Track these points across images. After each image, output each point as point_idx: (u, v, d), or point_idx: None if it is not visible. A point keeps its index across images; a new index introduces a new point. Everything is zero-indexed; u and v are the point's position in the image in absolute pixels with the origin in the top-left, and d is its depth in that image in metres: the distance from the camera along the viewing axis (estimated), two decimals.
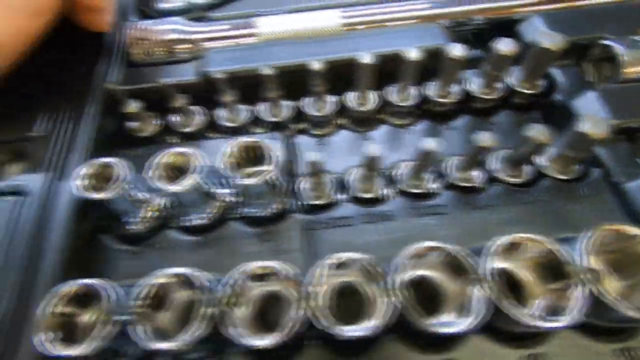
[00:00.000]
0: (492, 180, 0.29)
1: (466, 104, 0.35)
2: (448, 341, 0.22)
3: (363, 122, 0.35)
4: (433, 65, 0.32)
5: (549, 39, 0.29)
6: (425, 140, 0.25)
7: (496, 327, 0.21)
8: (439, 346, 0.22)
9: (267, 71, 0.29)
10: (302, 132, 0.35)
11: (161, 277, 0.21)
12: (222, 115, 0.33)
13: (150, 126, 0.33)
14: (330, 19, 0.35)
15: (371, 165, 0.26)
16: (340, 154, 0.33)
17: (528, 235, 0.21)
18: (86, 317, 0.22)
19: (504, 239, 0.21)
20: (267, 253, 0.26)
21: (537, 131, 0.25)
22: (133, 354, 0.22)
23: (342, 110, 0.34)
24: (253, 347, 0.19)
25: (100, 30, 0.31)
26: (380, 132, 0.34)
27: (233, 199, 0.28)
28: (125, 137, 0.33)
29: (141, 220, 0.27)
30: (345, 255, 0.21)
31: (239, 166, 0.26)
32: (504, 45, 0.30)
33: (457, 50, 0.30)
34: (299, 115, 0.34)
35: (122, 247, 0.27)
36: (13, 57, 0.25)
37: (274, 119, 0.33)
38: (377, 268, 0.21)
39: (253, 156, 0.26)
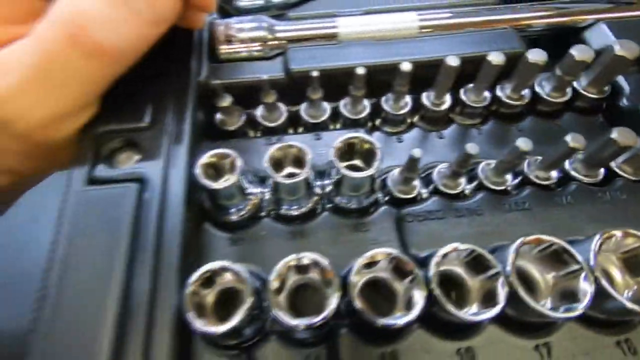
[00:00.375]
0: (569, 179, 0.31)
1: (532, 106, 0.37)
2: (468, 330, 0.24)
3: (435, 122, 0.36)
4: (507, 68, 0.34)
5: (625, 47, 0.31)
6: (520, 140, 0.27)
7: (509, 318, 0.24)
8: (458, 334, 0.24)
9: (360, 70, 0.30)
10: (375, 128, 0.36)
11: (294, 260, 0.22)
12: (306, 111, 0.35)
13: (236, 120, 0.34)
14: (407, 21, 0.36)
15: (464, 163, 0.28)
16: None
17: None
18: (211, 297, 0.24)
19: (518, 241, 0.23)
20: (363, 242, 0.28)
21: (623, 135, 0.27)
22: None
23: (417, 108, 0.36)
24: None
25: (198, 28, 0.33)
26: (450, 131, 0.36)
27: (329, 190, 0.29)
28: (213, 129, 0.34)
29: (242, 209, 0.28)
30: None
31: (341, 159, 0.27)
32: (580, 52, 0.32)
33: (537, 55, 0.31)
34: (376, 113, 0.36)
35: (222, 235, 0.29)
36: (131, 63, 0.26)
37: (353, 117, 0.35)
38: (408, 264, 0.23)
39: (353, 151, 0.28)
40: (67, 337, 0.21)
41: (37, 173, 0.33)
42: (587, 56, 0.32)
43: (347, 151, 0.28)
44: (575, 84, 0.36)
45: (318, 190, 0.30)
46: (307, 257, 0.23)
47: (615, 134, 0.27)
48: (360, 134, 0.27)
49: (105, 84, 0.26)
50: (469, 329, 0.24)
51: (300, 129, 0.36)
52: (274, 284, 0.22)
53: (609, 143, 0.28)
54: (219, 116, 0.34)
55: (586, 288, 0.21)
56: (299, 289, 0.26)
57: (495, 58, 0.31)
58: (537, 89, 0.36)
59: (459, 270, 0.25)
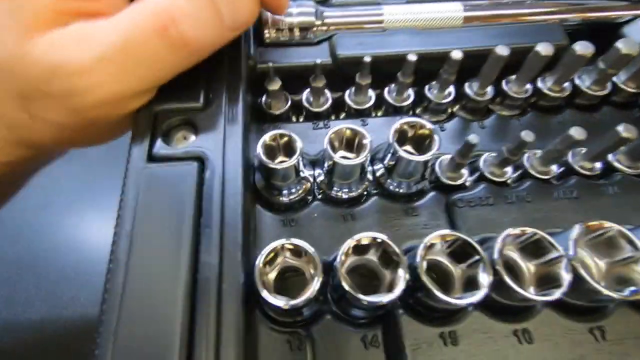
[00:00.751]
0: (612, 170, 0.31)
1: (571, 99, 0.37)
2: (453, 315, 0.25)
3: (475, 112, 0.37)
4: (550, 61, 0.34)
5: None
6: (573, 129, 0.27)
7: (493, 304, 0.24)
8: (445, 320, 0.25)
9: (412, 57, 0.30)
10: (416, 116, 0.37)
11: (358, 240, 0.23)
12: (351, 98, 0.35)
13: (283, 104, 0.34)
14: (452, 11, 0.36)
15: (517, 151, 0.28)
16: (455, 140, 0.35)
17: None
18: (272, 273, 0.24)
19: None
20: (415, 226, 0.28)
21: None
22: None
23: (458, 98, 0.36)
24: None
25: (281, 12, 0.33)
26: (491, 121, 0.36)
27: (380, 174, 0.29)
28: (259, 113, 0.34)
29: (294, 192, 0.29)
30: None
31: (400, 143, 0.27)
32: (626, 45, 0.32)
33: (584, 47, 0.32)
34: (418, 102, 0.36)
35: (274, 216, 0.29)
36: (204, 58, 0.27)
37: (397, 104, 0.35)
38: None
39: (406, 136, 0.28)
40: (139, 311, 0.21)
41: (62, 146, 0.34)
42: (634, 50, 0.32)
43: (401, 136, 0.28)
44: (614, 78, 0.36)
45: (369, 176, 0.30)
46: (366, 237, 0.23)
47: None
48: (419, 119, 0.27)
49: (176, 74, 0.27)
50: (526, 311, 0.25)
51: (342, 115, 0.36)
52: (342, 259, 0.22)
53: None
54: (265, 99, 0.34)
55: None
56: (354, 270, 0.26)
57: (544, 49, 0.31)
58: (578, 81, 0.36)
59: (515, 255, 0.25)
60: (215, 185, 0.25)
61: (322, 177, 0.29)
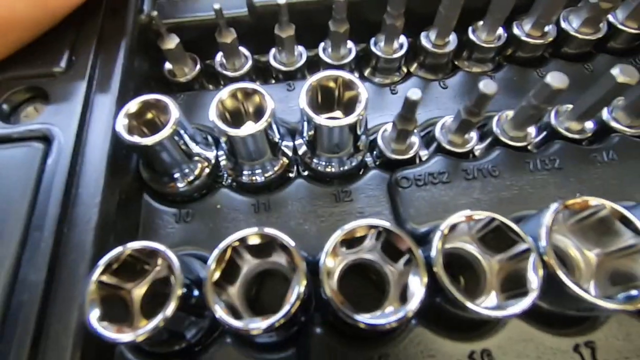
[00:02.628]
0: (608, 131, 0.24)
1: (557, 49, 0.30)
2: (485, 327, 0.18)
3: (437, 69, 0.29)
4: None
5: None
6: (550, 75, 0.20)
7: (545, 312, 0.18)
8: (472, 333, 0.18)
9: None
10: (365, 79, 0.30)
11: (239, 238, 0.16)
12: (276, 58, 0.28)
13: (189, 70, 0.27)
14: None
15: (476, 109, 0.21)
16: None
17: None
18: (137, 289, 0.18)
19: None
20: (346, 215, 0.22)
21: None
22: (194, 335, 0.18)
23: (415, 55, 0.29)
24: None
25: None
26: (456, 79, 0.29)
27: (303, 151, 0.23)
28: (160, 81, 0.28)
29: (188, 174, 0.22)
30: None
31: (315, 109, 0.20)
32: None
33: None
34: (365, 62, 0.29)
35: (167, 209, 0.22)
36: (37, 31, 0.22)
37: (336, 62, 0.28)
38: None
39: (331, 99, 0.21)
40: None
41: None
42: None
43: (325, 98, 0.21)
44: (611, 18, 0.29)
45: (288, 152, 0.23)
46: (259, 235, 0.17)
47: None
48: (339, 72, 0.20)
49: (27, 38, 0.22)
50: (486, 326, 0.18)
51: (273, 82, 0.29)
52: (215, 271, 0.16)
53: None
54: (167, 65, 0.27)
55: None
56: (261, 278, 0.20)
57: None
58: (564, 24, 0.29)
59: (471, 248, 0.19)
60: (60, 172, 0.19)
61: (224, 160, 0.23)
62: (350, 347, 0.18)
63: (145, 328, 0.14)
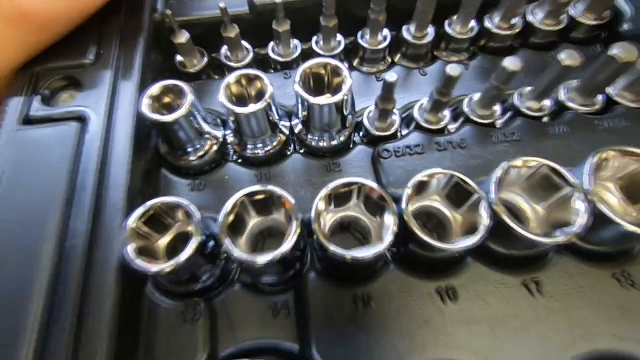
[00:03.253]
0: (563, 109, 0.28)
1: (525, 39, 0.33)
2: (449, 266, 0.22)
3: (418, 58, 0.33)
4: None
5: None
6: (507, 59, 0.24)
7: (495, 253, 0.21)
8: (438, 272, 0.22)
9: None
10: (354, 69, 0.33)
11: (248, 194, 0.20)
12: (274, 50, 0.31)
13: (197, 61, 0.31)
14: None
15: (445, 90, 0.25)
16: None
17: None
18: (162, 239, 0.21)
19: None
20: None
21: (625, 49, 0.24)
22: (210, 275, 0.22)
23: (398, 46, 0.33)
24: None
25: None
26: (434, 67, 0.33)
27: (299, 128, 0.26)
28: (172, 72, 0.31)
29: (199, 149, 0.26)
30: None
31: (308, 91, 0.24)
32: None
33: None
34: (354, 53, 0.33)
35: (181, 181, 0.26)
36: (64, 30, 0.26)
37: (327, 53, 0.32)
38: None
39: (320, 83, 0.25)
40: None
41: None
42: None
43: (316, 82, 0.25)
44: (571, 10, 0.32)
45: (285, 130, 0.27)
46: (262, 192, 0.20)
47: (615, 49, 0.24)
48: (328, 59, 0.24)
49: (29, 53, 0.24)
50: (450, 267, 0.22)
51: (271, 71, 0.33)
52: (228, 217, 0.19)
53: (608, 62, 0.25)
54: (178, 57, 0.31)
55: (580, 208, 0.19)
56: (264, 238, 0.24)
57: None
58: (529, 17, 0.32)
59: (438, 204, 0.22)
60: (94, 147, 0.22)
61: (231, 137, 0.27)
62: (338, 286, 0.22)
63: (169, 263, 0.18)
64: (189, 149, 0.25)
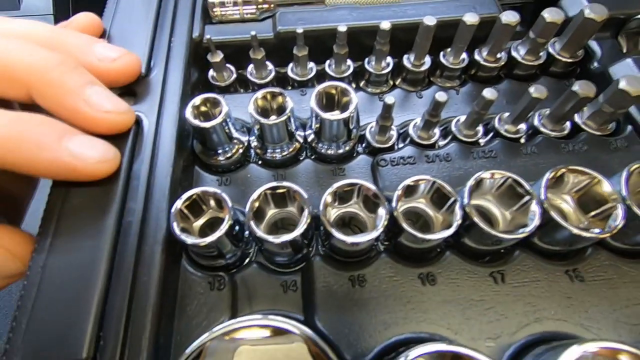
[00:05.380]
0: (536, 133, 0.33)
1: (509, 71, 0.39)
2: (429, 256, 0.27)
3: (416, 83, 0.38)
4: (483, 33, 0.36)
5: (594, 10, 0.33)
6: (486, 90, 0.29)
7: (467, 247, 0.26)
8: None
9: (342, 28, 0.32)
10: (360, 89, 0.38)
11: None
12: (292, 70, 0.37)
13: (227, 77, 0.36)
14: None
15: (435, 112, 0.30)
16: (395, 110, 0.37)
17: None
18: (197, 222, 0.26)
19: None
20: None
21: (584, 86, 0.29)
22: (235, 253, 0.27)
23: (399, 71, 0.38)
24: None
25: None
26: (429, 91, 0.38)
27: (311, 137, 0.32)
28: (205, 85, 0.37)
29: (228, 151, 0.31)
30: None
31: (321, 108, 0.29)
32: (551, 14, 0.34)
33: (510, 16, 0.33)
34: (361, 76, 0.38)
35: (211, 177, 0.31)
36: None
37: (338, 75, 0.37)
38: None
39: (332, 102, 0.30)
40: (69, 250, 0.23)
41: None
42: (557, 18, 0.33)
43: (328, 100, 0.30)
44: (550, 49, 0.38)
45: (300, 139, 0.32)
46: (282, 187, 0.25)
47: (576, 86, 0.29)
48: (338, 82, 0.29)
49: None
50: (430, 257, 0.27)
51: (289, 88, 0.38)
52: (254, 203, 0.24)
53: (570, 95, 0.30)
54: (211, 73, 0.36)
55: (535, 211, 0.24)
56: (279, 225, 0.29)
57: (470, 18, 0.33)
58: (513, 52, 0.38)
59: (423, 206, 0.27)
60: (147, 145, 0.28)
61: (255, 142, 0.32)
62: (338, 269, 0.26)
63: (207, 238, 0.23)
64: (220, 151, 0.31)
